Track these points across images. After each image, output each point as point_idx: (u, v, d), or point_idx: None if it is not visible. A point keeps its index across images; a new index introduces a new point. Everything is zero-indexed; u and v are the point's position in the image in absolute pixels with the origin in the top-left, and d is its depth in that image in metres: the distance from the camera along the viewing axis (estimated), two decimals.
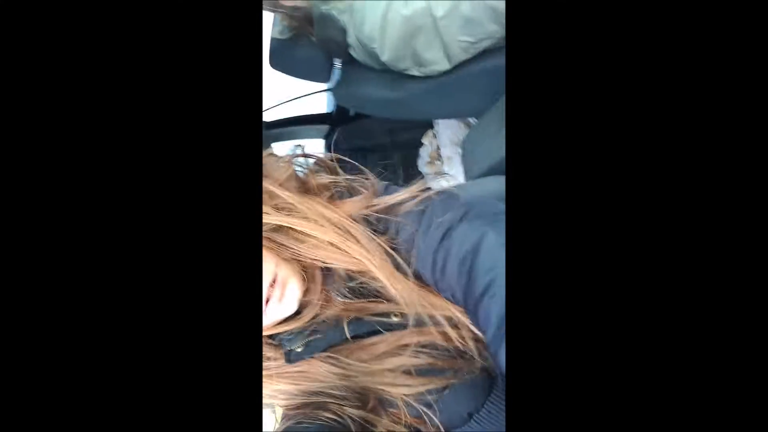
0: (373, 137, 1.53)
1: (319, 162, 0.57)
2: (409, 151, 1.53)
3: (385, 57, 0.94)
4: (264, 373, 0.52)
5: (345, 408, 0.50)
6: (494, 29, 0.85)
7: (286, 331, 0.52)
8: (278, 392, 0.53)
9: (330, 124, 1.48)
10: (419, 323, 0.50)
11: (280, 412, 0.55)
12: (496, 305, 0.42)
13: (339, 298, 0.52)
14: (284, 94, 1.42)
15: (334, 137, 1.48)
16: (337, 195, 0.54)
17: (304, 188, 0.54)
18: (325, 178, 0.54)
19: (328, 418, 0.49)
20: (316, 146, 1.58)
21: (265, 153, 0.55)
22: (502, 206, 0.48)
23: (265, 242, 0.50)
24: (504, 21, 0.84)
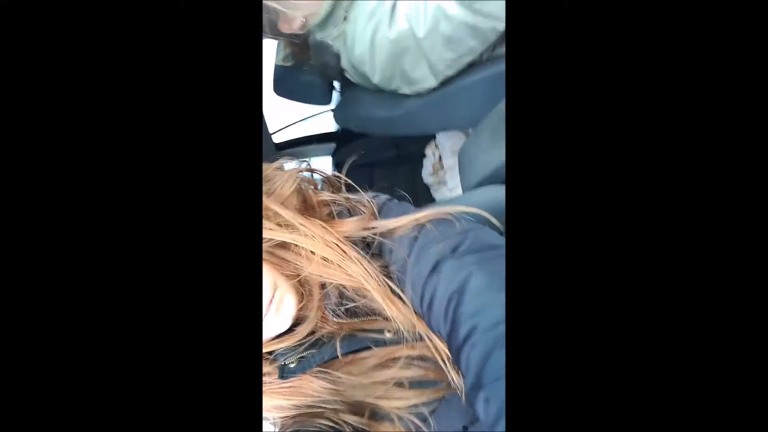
0: (380, 152, 1.58)
1: (325, 179, 0.59)
2: (414, 163, 1.58)
3: (376, 79, 0.99)
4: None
5: (342, 415, 0.51)
6: (474, 45, 0.90)
7: (281, 347, 0.53)
8: (272, 407, 0.53)
9: (336, 141, 1.54)
10: (412, 339, 0.50)
11: (280, 424, 0.55)
12: (476, 355, 0.42)
13: (334, 318, 0.53)
14: (292, 117, 1.49)
15: (340, 155, 1.54)
16: (335, 213, 0.56)
17: (306, 205, 0.55)
18: (326, 196, 0.56)
19: (325, 425, 0.50)
20: (324, 164, 1.65)
21: (271, 167, 0.57)
22: (501, 240, 0.49)
23: (265, 256, 0.51)
24: (482, 37, 0.89)
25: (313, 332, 0.53)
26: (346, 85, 1.18)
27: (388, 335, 0.52)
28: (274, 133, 1.45)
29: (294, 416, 0.53)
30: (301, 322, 0.53)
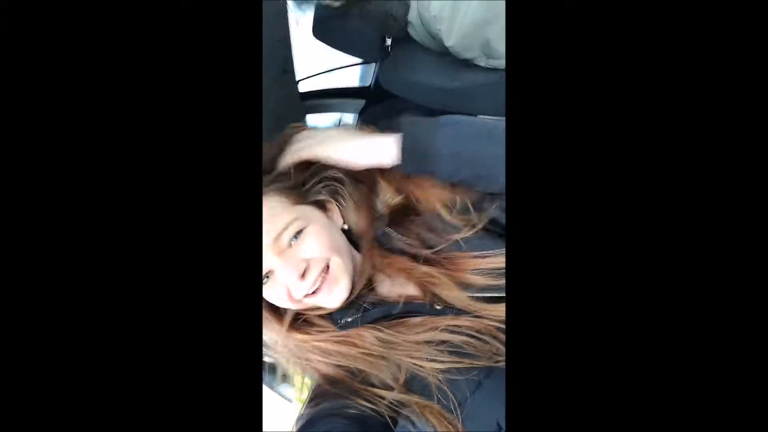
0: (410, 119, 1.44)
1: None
2: None
3: (450, 42, 0.84)
4: (311, 330, 0.58)
5: (375, 390, 0.54)
6: None
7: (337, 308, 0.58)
8: (318, 350, 0.57)
9: (367, 99, 1.39)
10: (458, 313, 0.55)
11: (299, 405, 0.58)
12: None
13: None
14: (321, 65, 1.32)
15: (367, 114, 1.39)
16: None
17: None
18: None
19: (361, 404, 0.52)
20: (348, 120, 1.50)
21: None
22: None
23: (323, 232, 0.57)
24: None
25: (364, 297, 0.58)
26: (400, 41, 1.03)
27: (438, 307, 0.56)
28: (300, 81, 1.28)
29: (325, 391, 0.56)
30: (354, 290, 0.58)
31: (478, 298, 0.56)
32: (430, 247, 0.59)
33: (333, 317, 0.58)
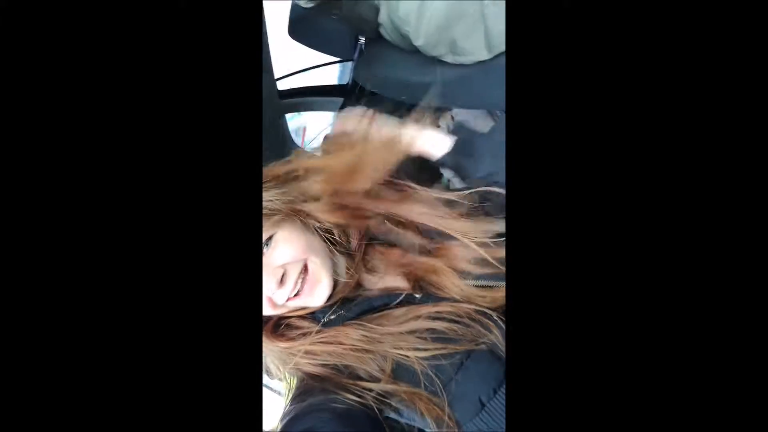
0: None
1: None
2: None
3: (419, 42, 0.88)
4: (295, 334, 0.58)
5: (362, 383, 0.54)
6: None
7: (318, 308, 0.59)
8: (305, 353, 0.57)
9: (345, 96, 1.42)
10: (437, 300, 0.57)
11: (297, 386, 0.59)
12: None
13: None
14: (299, 64, 1.35)
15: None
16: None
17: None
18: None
19: (345, 397, 0.53)
20: (325, 119, 1.53)
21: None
22: None
23: (302, 232, 0.59)
24: None
25: (346, 297, 0.60)
26: (373, 40, 1.06)
27: (417, 296, 0.58)
28: (279, 79, 1.31)
29: (312, 385, 0.56)
30: (338, 288, 0.59)
31: (477, 286, 0.58)
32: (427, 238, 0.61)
33: (316, 316, 0.59)
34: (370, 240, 0.64)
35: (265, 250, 0.56)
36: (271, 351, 0.59)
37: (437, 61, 0.95)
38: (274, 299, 0.56)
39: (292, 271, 0.56)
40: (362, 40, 1.11)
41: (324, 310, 0.59)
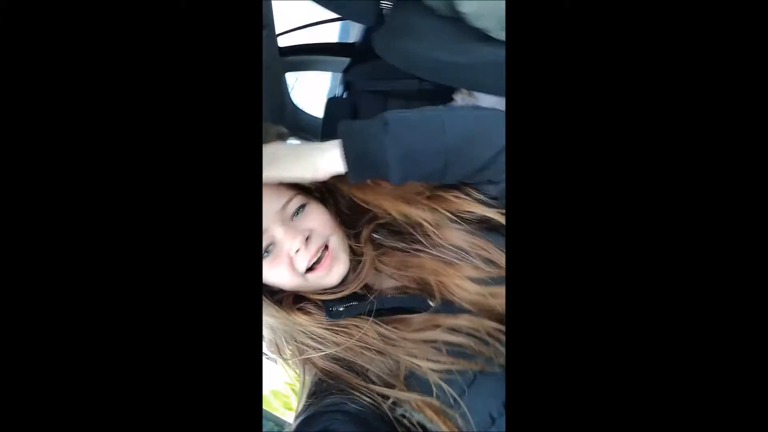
0: (398, 81, 1.32)
1: None
2: (435, 101, 1.35)
3: (466, 8, 0.74)
4: (304, 319, 0.58)
5: (375, 387, 0.54)
6: None
7: (330, 299, 0.59)
8: (314, 336, 0.57)
9: (352, 57, 1.26)
10: (453, 310, 0.56)
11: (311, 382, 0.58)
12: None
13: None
14: (303, 18, 1.18)
15: (352, 74, 1.26)
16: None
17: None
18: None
19: (359, 400, 0.53)
20: (325, 79, 1.38)
21: None
22: None
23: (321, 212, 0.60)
24: None
25: (360, 288, 0.59)
26: (399, 5, 0.91)
27: (432, 304, 0.57)
28: (280, 35, 1.14)
29: (329, 382, 0.56)
30: (352, 279, 0.60)
31: (483, 293, 0.57)
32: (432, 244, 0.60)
33: (325, 306, 0.59)
34: (377, 238, 0.64)
35: (296, 217, 0.58)
36: (285, 325, 0.60)
37: (477, 37, 0.81)
38: (295, 262, 0.57)
39: (317, 238, 0.58)
40: (387, 4, 0.96)
41: (334, 302, 0.59)
